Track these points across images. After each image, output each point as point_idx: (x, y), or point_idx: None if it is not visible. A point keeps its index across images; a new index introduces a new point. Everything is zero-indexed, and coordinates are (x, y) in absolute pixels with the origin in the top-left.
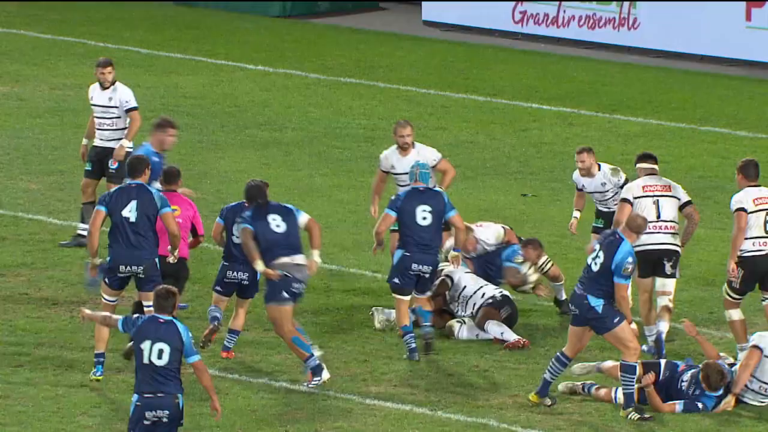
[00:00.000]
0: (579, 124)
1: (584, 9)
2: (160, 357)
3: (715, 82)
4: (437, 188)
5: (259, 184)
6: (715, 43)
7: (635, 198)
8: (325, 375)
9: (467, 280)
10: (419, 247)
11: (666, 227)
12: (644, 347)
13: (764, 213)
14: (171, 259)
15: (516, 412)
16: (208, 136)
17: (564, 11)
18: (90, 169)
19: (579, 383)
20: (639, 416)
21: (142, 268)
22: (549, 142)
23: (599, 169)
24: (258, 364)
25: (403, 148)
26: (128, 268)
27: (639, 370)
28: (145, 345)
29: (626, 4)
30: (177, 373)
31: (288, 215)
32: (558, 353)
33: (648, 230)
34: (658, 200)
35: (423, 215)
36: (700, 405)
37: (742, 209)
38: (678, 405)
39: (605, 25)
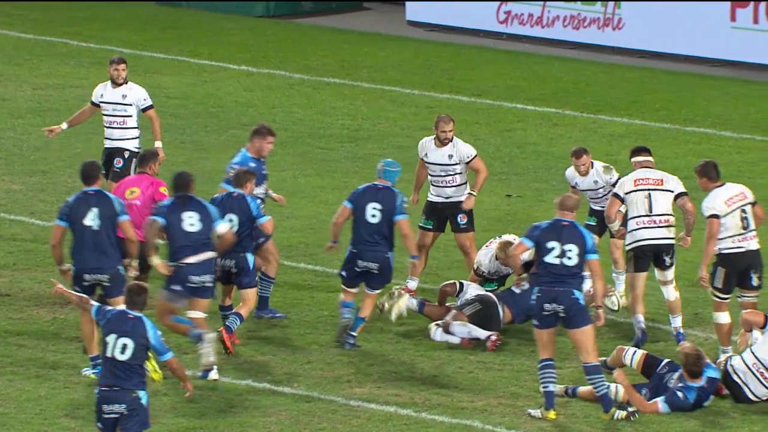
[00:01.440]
0: (563, 125)
1: (569, 9)
2: (123, 352)
3: (700, 83)
4: (395, 189)
5: (184, 175)
6: (699, 44)
7: (626, 193)
8: (209, 337)
9: (473, 287)
10: (366, 244)
11: (660, 221)
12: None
13: (739, 211)
14: (132, 273)
15: (501, 413)
16: (191, 136)
17: (548, 11)
18: (103, 171)
19: (562, 386)
20: (626, 413)
21: (107, 276)
22: (533, 143)
23: (592, 167)
24: (241, 365)
25: (443, 142)
26: (93, 276)
27: (639, 359)
28: (110, 338)
29: (611, 4)
30: (140, 370)
31: (206, 217)
32: (542, 362)
33: (643, 225)
34: (650, 194)
35: (372, 212)
36: (680, 394)
37: (715, 216)
38: (660, 403)
39: (590, 26)
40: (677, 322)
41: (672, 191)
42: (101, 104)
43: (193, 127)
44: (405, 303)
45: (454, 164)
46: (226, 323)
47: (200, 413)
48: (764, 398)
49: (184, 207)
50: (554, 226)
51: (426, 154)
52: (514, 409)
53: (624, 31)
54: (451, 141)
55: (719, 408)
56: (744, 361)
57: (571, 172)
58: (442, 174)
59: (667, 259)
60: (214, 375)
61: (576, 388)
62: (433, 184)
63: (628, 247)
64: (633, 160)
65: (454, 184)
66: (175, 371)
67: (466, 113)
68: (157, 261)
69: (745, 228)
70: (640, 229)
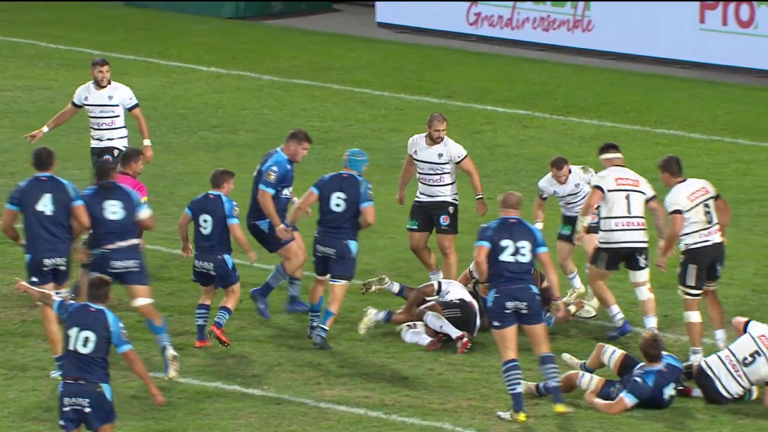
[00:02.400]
0: (533, 127)
1: (538, 11)
2: (85, 345)
3: (669, 85)
4: (360, 177)
5: (106, 164)
6: (668, 46)
7: (609, 191)
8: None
9: (454, 288)
10: (326, 230)
11: (637, 223)
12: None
13: (702, 205)
14: (81, 257)
15: (471, 415)
16: (160, 138)
17: (518, 13)
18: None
19: (533, 384)
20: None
21: (64, 260)
22: (503, 145)
23: (569, 172)
24: (211, 367)
25: (434, 140)
26: (53, 260)
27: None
28: (73, 332)
29: (580, 5)
30: (103, 363)
31: (129, 203)
32: (506, 364)
33: (622, 227)
34: (629, 195)
35: (337, 201)
36: (639, 380)
37: (678, 211)
38: (624, 397)
39: (559, 27)
40: (652, 322)
41: (645, 194)
42: (87, 107)
43: (163, 128)
44: (372, 318)
45: (443, 163)
46: (215, 319)
47: (169, 416)
48: (736, 395)
49: (106, 195)
50: (504, 225)
51: (416, 152)
52: (484, 411)
53: (593, 33)
54: (443, 140)
55: (688, 410)
56: (719, 357)
57: (547, 181)
58: (431, 173)
59: (642, 261)
60: (172, 373)
61: (546, 384)
62: (421, 182)
63: (603, 246)
64: (603, 157)
65: (442, 183)
66: (133, 365)
67: None
68: (77, 247)
69: (709, 222)
70: (619, 230)
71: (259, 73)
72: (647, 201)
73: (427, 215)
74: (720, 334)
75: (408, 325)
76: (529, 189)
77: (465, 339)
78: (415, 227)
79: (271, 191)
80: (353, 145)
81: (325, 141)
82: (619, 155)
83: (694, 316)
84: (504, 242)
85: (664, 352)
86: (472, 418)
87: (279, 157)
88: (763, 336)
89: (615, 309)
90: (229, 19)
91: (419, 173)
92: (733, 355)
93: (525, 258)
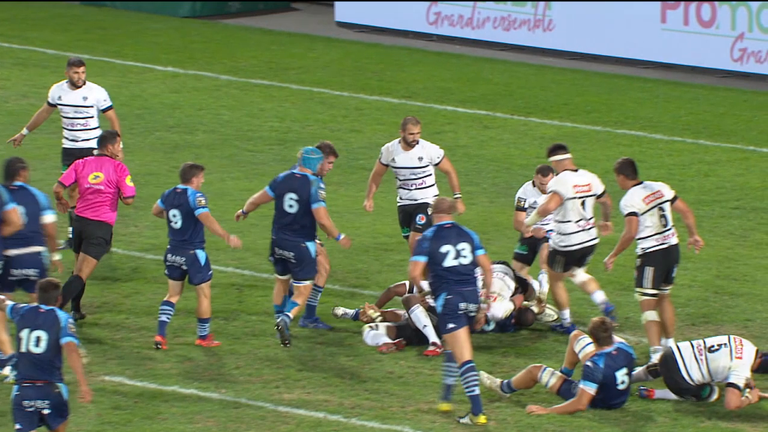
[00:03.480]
0: (494, 127)
1: (499, 10)
2: (37, 345)
3: (631, 85)
4: (313, 177)
5: (13, 162)
6: (630, 45)
7: (568, 199)
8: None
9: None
10: (281, 231)
11: (590, 224)
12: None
13: (657, 209)
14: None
15: (431, 419)
16: None
17: (479, 13)
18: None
19: (497, 384)
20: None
21: (35, 270)
22: (464, 145)
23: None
24: (168, 370)
25: (410, 144)
26: (21, 271)
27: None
28: (24, 333)
29: (541, 5)
30: (58, 363)
31: (34, 208)
32: (463, 365)
33: (578, 229)
34: (584, 201)
35: (289, 203)
36: (590, 364)
37: (634, 213)
38: (582, 386)
39: (520, 27)
40: (600, 296)
41: (596, 194)
42: (60, 106)
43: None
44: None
45: (424, 166)
46: (198, 333)
47: (125, 420)
48: (696, 382)
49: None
50: (440, 231)
51: (393, 159)
52: (445, 415)
53: (554, 33)
54: (418, 143)
55: (650, 413)
56: (691, 343)
57: (528, 190)
58: (412, 177)
59: (590, 258)
60: (6, 371)
61: (510, 381)
62: (402, 188)
63: (560, 249)
64: (553, 159)
65: (424, 186)
66: (71, 357)
67: (395, 115)
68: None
69: (664, 226)
70: (575, 233)
71: (217, 73)
72: (598, 197)
73: (411, 219)
74: (669, 343)
75: (370, 326)
76: (490, 190)
77: (438, 348)
78: (406, 234)
79: (322, 204)
80: (313, 146)
81: (283, 142)
82: (569, 156)
83: (652, 315)
84: (444, 248)
85: (616, 338)
86: (432, 421)
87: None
88: (734, 338)
89: (566, 314)
90: (186, 18)
91: (399, 180)
92: (704, 342)
93: (467, 260)
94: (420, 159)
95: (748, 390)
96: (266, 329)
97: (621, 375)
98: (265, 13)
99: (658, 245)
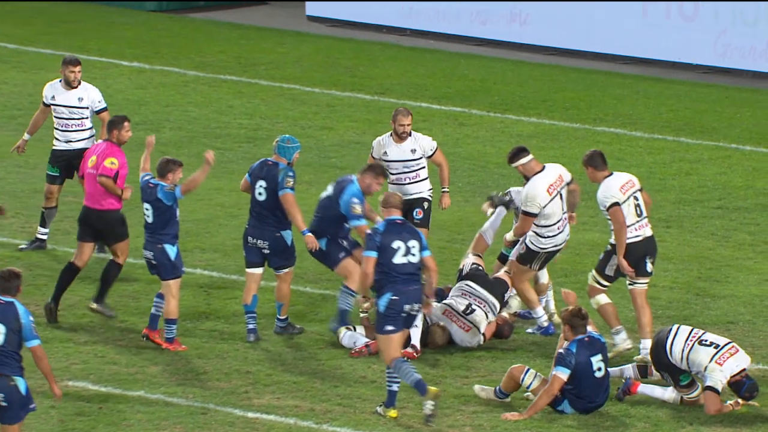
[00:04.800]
0: (470, 124)
1: (475, 2)
2: None
3: (610, 81)
4: (284, 165)
5: None
6: (609, 40)
7: (543, 206)
8: None
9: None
10: (255, 220)
11: (568, 218)
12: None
13: (632, 198)
14: None
15: (405, 424)
16: None
17: (453, 6)
18: (57, 174)
19: (491, 393)
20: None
21: None
22: (439, 143)
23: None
24: (134, 375)
25: (401, 137)
26: None
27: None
28: None
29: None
30: (16, 356)
31: None
32: (396, 361)
33: (560, 230)
34: (560, 194)
35: (259, 190)
36: (562, 351)
37: (616, 203)
38: (555, 372)
39: (497, 21)
40: (549, 297)
41: (567, 182)
42: (53, 106)
43: None
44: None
45: (417, 159)
46: (165, 335)
47: (89, 427)
48: (674, 362)
49: None
50: (392, 227)
51: (385, 153)
52: (419, 420)
53: (532, 27)
54: (410, 135)
55: (630, 418)
56: (693, 328)
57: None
58: (405, 170)
59: (559, 255)
60: None
61: (499, 387)
62: (394, 183)
63: (543, 249)
64: (520, 163)
65: (418, 180)
66: (40, 361)
67: (368, 112)
68: None
69: (639, 215)
70: (559, 233)
71: (184, 69)
72: (568, 184)
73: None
74: (646, 343)
75: (347, 327)
76: (465, 189)
77: (416, 352)
78: None
79: (362, 222)
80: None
81: (253, 139)
82: (532, 156)
83: (604, 298)
84: (395, 244)
85: (590, 328)
86: (406, 427)
87: (355, 188)
88: (733, 346)
89: (540, 311)
90: (153, 11)
91: (392, 174)
92: (702, 334)
93: (415, 258)
94: (413, 152)
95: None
96: (235, 332)
97: (596, 361)
98: (233, 6)
99: (633, 237)
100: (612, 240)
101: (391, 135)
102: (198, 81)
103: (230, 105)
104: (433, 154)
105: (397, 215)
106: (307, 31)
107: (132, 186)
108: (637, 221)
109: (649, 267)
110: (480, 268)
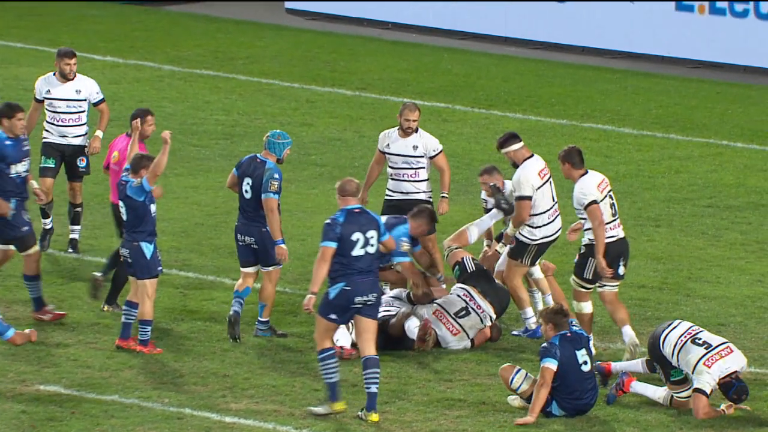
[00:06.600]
0: (454, 120)
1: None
2: None
3: (597, 76)
4: (271, 163)
5: None
6: (597, 34)
7: (537, 189)
8: None
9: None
10: (243, 217)
11: (557, 211)
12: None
13: (608, 197)
14: None
15: (387, 428)
16: None
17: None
18: (53, 165)
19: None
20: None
21: None
22: None
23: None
24: (108, 379)
25: (406, 132)
26: None
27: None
28: None
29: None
30: None
31: None
32: (323, 352)
33: (551, 219)
34: (550, 182)
35: (245, 188)
36: (545, 344)
37: (594, 201)
38: (544, 363)
39: (482, 14)
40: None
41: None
42: (49, 101)
43: None
44: None
45: (419, 156)
46: (138, 337)
47: None
48: (666, 355)
49: None
50: (350, 217)
51: (387, 145)
52: (401, 425)
53: (517, 21)
54: (416, 132)
55: (618, 423)
56: (692, 324)
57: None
58: (405, 166)
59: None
60: None
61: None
62: (392, 178)
63: (535, 242)
64: (512, 149)
65: (417, 178)
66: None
67: (349, 108)
68: None
69: (614, 215)
70: (550, 222)
71: (159, 63)
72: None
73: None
74: (627, 330)
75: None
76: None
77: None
78: None
79: (407, 258)
80: (261, 141)
81: (230, 136)
82: (522, 143)
83: (587, 307)
84: (355, 236)
85: (574, 326)
86: (388, 429)
87: (406, 228)
88: (728, 347)
89: (530, 312)
90: (126, 3)
91: (391, 168)
92: (698, 332)
93: (373, 249)
94: (415, 148)
95: (724, 405)
96: (212, 334)
97: (581, 355)
98: None
99: (608, 237)
100: (584, 241)
101: (398, 129)
102: (173, 76)
103: (207, 101)
104: (436, 156)
105: (354, 203)
106: (286, 24)
107: (161, 184)
108: (612, 221)
109: (621, 270)
110: (484, 269)
